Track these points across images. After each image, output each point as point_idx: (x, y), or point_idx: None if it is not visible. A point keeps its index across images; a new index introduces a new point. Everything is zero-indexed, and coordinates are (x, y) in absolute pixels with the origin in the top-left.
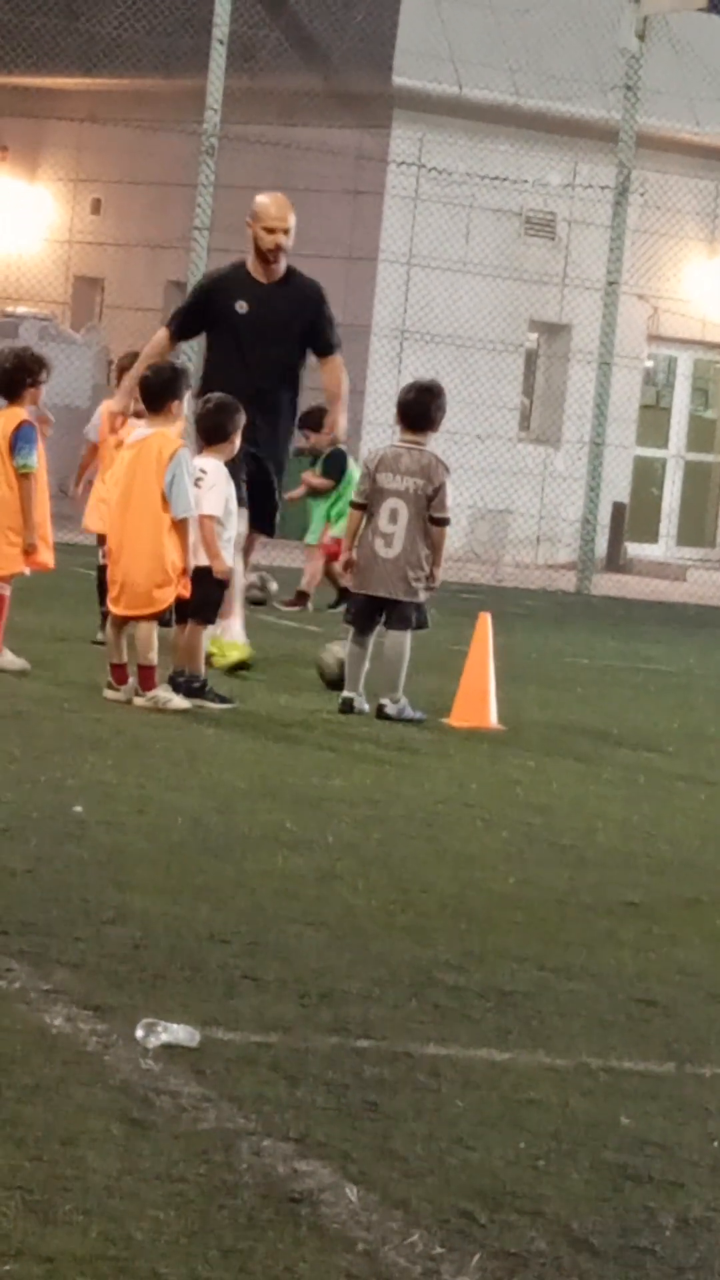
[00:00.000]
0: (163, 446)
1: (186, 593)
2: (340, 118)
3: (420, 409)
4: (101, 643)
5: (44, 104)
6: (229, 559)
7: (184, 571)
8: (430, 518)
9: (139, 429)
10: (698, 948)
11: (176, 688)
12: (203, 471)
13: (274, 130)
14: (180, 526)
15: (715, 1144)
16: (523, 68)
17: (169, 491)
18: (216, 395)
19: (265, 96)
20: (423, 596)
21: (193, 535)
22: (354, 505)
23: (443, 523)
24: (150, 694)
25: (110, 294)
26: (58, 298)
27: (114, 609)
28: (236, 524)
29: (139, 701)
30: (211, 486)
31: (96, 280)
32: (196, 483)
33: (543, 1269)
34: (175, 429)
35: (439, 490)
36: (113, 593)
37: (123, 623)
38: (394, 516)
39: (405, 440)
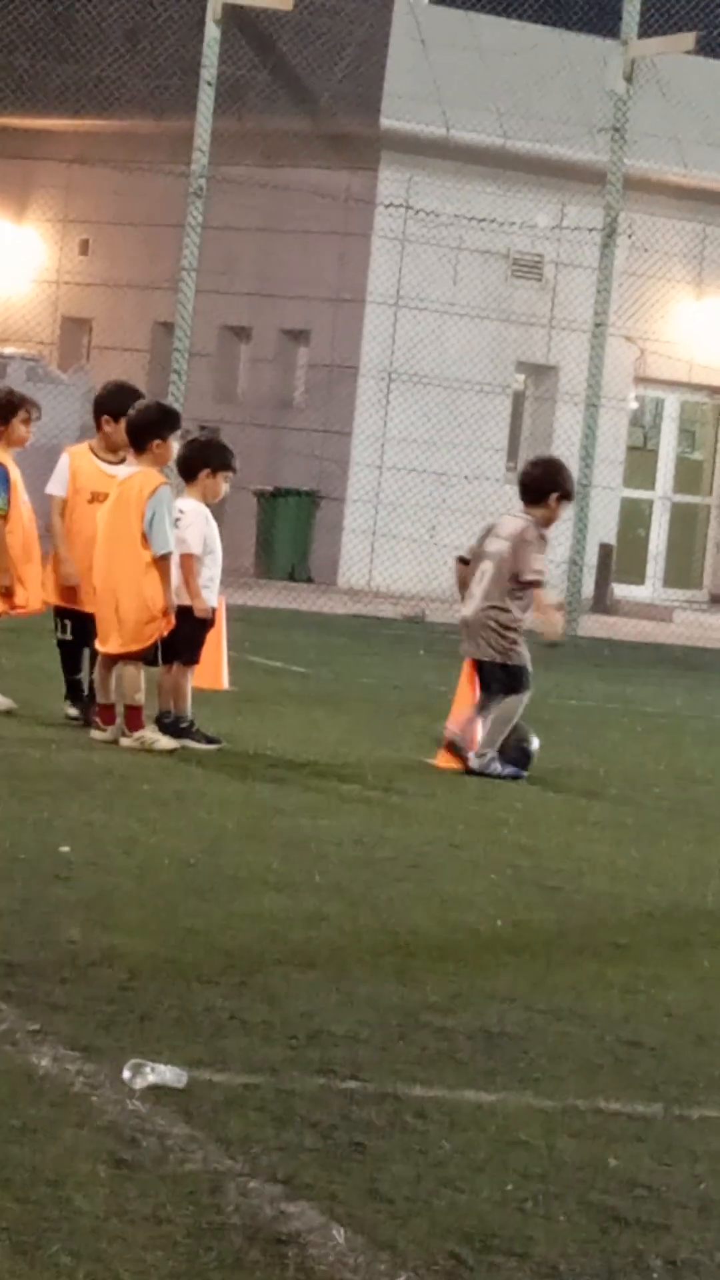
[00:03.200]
0: (144, 484)
1: (166, 631)
2: (328, 159)
3: (529, 481)
4: (75, 717)
5: (32, 145)
6: (211, 599)
7: (165, 610)
8: (515, 578)
9: (125, 467)
10: (686, 990)
11: (163, 728)
12: (181, 511)
13: (262, 172)
14: (160, 564)
15: (703, 1186)
16: (510, 110)
17: (148, 529)
18: (196, 434)
19: (253, 138)
20: (504, 658)
21: (174, 573)
22: (460, 561)
23: (529, 584)
24: (137, 734)
25: (98, 334)
26: (45, 338)
27: (102, 648)
28: (218, 563)
29: (125, 742)
30: (189, 526)
31: (84, 321)
32: (175, 522)
33: None
34: (159, 468)
35: (518, 552)
36: (101, 631)
37: (111, 662)
38: (481, 578)
39: (523, 510)
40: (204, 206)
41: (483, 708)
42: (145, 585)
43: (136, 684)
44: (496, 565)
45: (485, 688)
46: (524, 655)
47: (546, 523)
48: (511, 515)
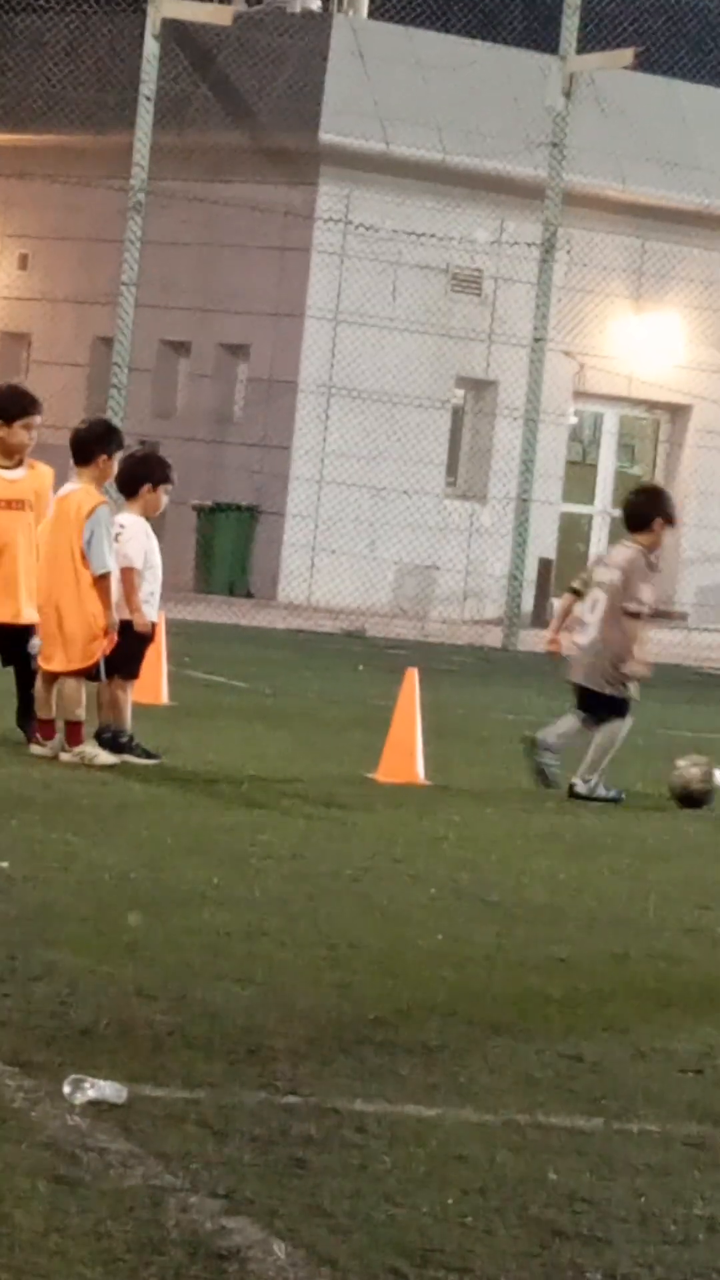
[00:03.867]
0: (82, 503)
1: (109, 648)
2: (267, 174)
3: (634, 509)
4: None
5: None
6: (151, 614)
7: (107, 628)
8: (622, 609)
9: (67, 485)
10: (625, 1004)
11: (103, 743)
12: (122, 526)
13: (201, 187)
14: (100, 583)
15: (643, 1200)
16: (449, 125)
17: (87, 549)
18: (136, 449)
19: (193, 153)
20: (612, 690)
21: (115, 590)
22: (570, 591)
23: (632, 615)
24: (77, 749)
25: (37, 349)
26: None
27: (46, 666)
28: (158, 578)
29: (65, 757)
30: (130, 540)
31: (23, 336)
32: (116, 537)
33: None
34: (100, 484)
35: (628, 580)
36: (44, 649)
37: (53, 678)
38: (594, 607)
39: (629, 539)
40: (143, 221)
41: (581, 731)
42: (87, 603)
43: (77, 699)
44: (609, 594)
45: (589, 713)
46: (633, 687)
47: (652, 547)
48: (623, 544)
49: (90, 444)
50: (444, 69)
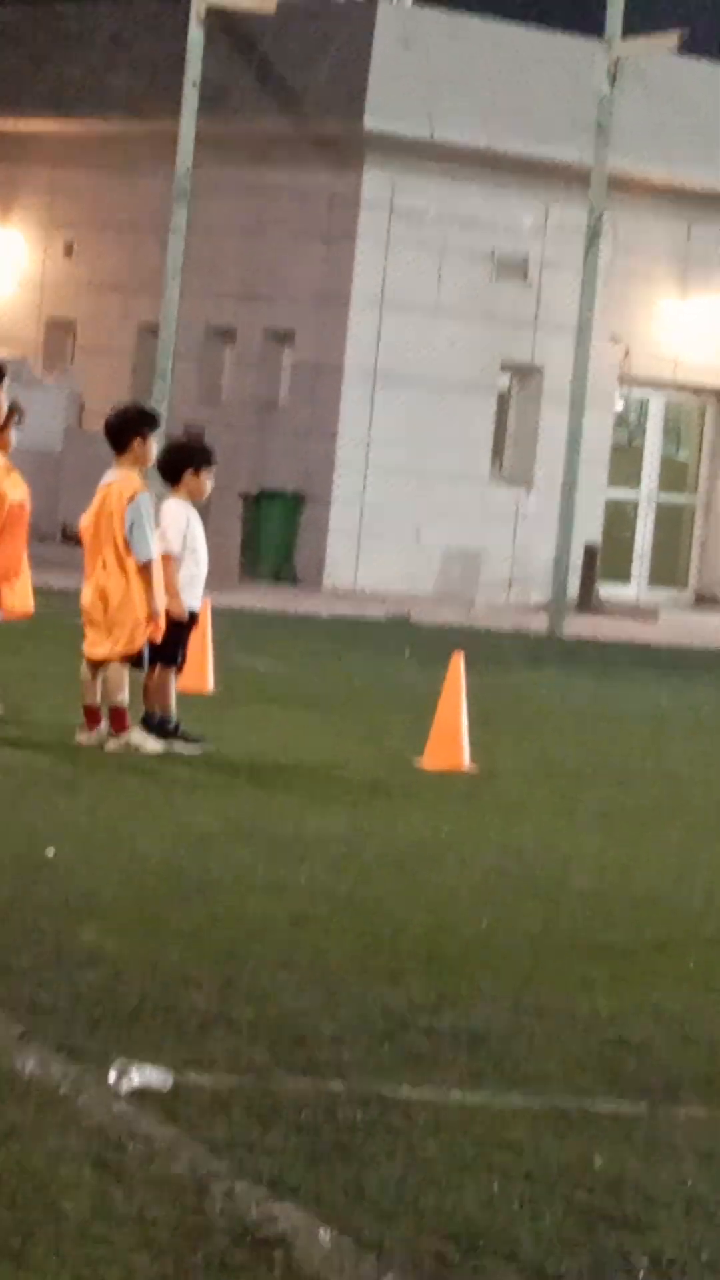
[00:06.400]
0: (122, 491)
1: (158, 636)
2: (312, 161)
3: None
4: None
5: (15, 148)
6: (194, 598)
7: (151, 615)
8: None
9: (107, 474)
10: (671, 989)
11: (149, 730)
12: (163, 511)
13: (246, 174)
14: (144, 571)
15: (688, 1184)
16: (494, 110)
17: (129, 537)
18: (174, 438)
19: (237, 140)
20: None
21: (159, 579)
22: None
23: None
24: (123, 736)
25: (83, 337)
26: (30, 341)
27: (90, 652)
28: (202, 562)
29: (111, 745)
30: (170, 525)
31: (69, 323)
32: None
33: None
34: (141, 469)
35: None
36: (90, 637)
37: (97, 666)
38: None
39: None
40: (188, 208)
41: None
42: (132, 591)
43: (121, 685)
44: None
45: None
46: None
47: None
48: None
49: (123, 430)
50: (489, 54)
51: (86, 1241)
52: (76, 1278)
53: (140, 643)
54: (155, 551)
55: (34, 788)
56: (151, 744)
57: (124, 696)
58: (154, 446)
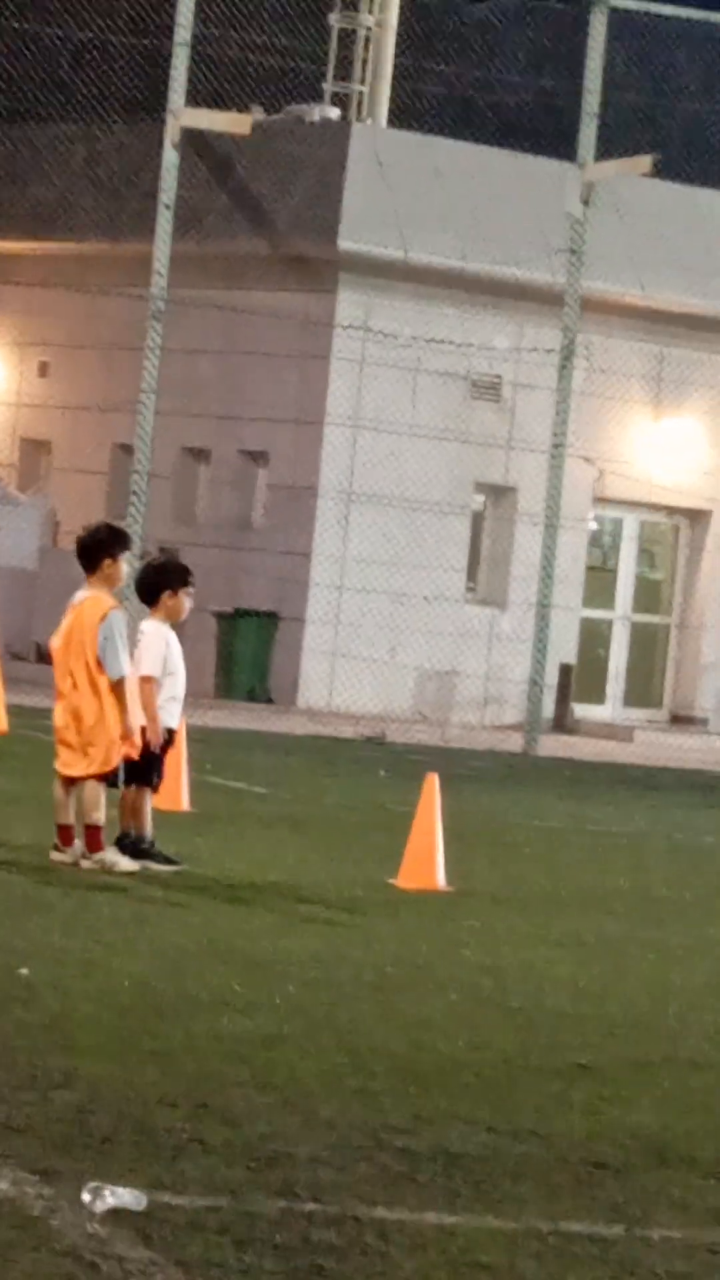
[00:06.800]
0: (94, 610)
1: (135, 753)
2: (287, 282)
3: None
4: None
5: None
6: (173, 719)
7: (126, 733)
8: None
9: (78, 593)
10: (647, 1110)
11: (123, 849)
12: (142, 633)
13: (221, 294)
14: (116, 688)
15: None
16: (468, 232)
17: (102, 655)
18: (153, 557)
19: (212, 261)
20: None
21: (133, 696)
22: None
23: None
24: (97, 855)
25: (58, 456)
26: (4, 459)
27: (65, 771)
28: (181, 683)
29: (86, 864)
30: (148, 649)
31: (43, 442)
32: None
33: None
34: (110, 589)
35: None
36: (63, 757)
37: (70, 784)
38: None
39: None
40: (163, 329)
41: None
42: (106, 709)
43: (96, 803)
44: None
45: None
46: None
47: None
48: None
49: (93, 550)
50: (463, 176)
51: None
52: None
53: (116, 761)
54: (127, 668)
55: (7, 907)
56: (126, 863)
57: (100, 815)
58: (124, 567)
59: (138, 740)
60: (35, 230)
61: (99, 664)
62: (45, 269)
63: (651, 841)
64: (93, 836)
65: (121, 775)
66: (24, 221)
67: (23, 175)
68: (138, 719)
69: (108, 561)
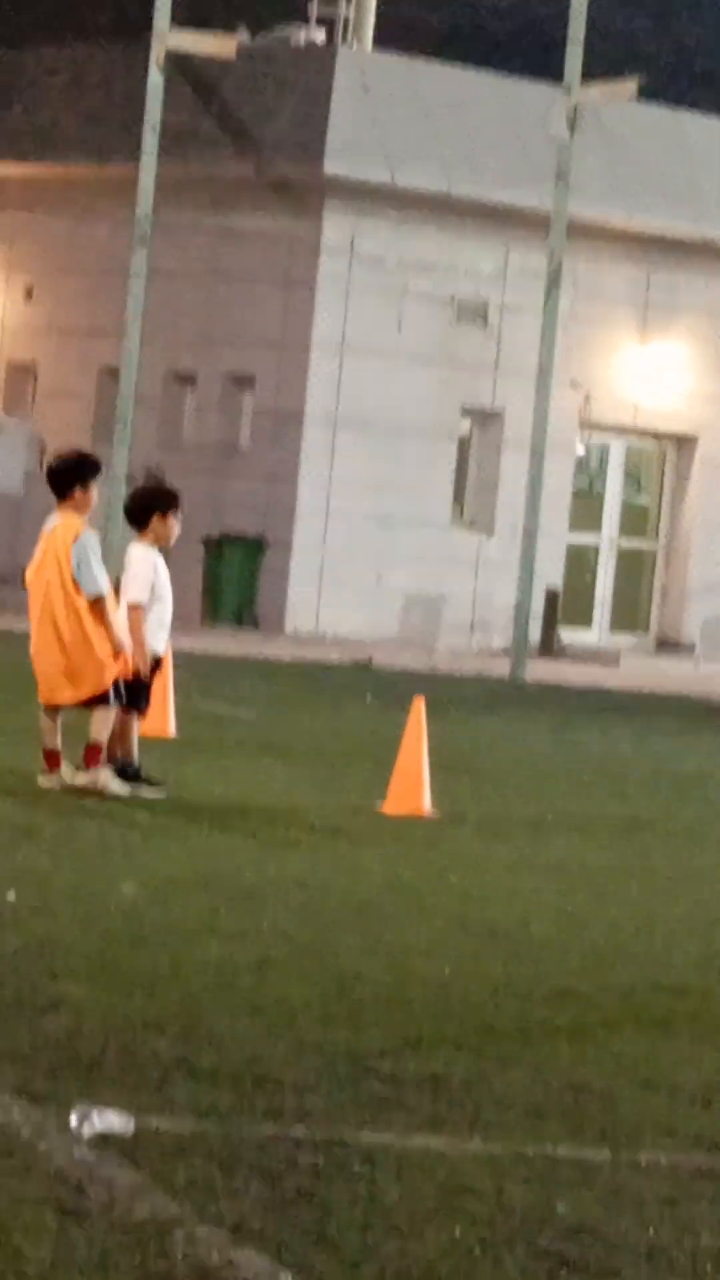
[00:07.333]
0: (65, 534)
1: (128, 671)
2: (272, 206)
3: None
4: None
5: None
6: (160, 644)
7: (116, 650)
8: None
9: (49, 519)
10: (632, 1035)
11: (123, 774)
12: (129, 557)
13: (206, 218)
14: (96, 606)
15: (651, 1231)
16: (454, 156)
17: (77, 575)
18: (139, 483)
19: (197, 184)
20: None
21: (114, 613)
22: None
23: None
24: (92, 772)
25: (43, 380)
26: None
27: (52, 698)
28: (168, 608)
29: (79, 778)
30: (135, 574)
31: (29, 366)
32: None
33: None
34: (82, 515)
35: None
36: (47, 685)
37: (56, 711)
38: None
39: None
40: (148, 252)
41: None
42: (89, 632)
43: (107, 724)
44: None
45: None
46: None
47: None
48: None
49: (62, 478)
50: (448, 101)
51: None
52: None
53: (109, 681)
54: (105, 586)
55: None
56: (117, 786)
57: (105, 737)
58: (95, 493)
59: (129, 656)
60: (20, 153)
61: (75, 586)
62: (30, 192)
63: (637, 767)
64: (92, 754)
65: (116, 694)
66: (9, 145)
67: (7, 98)
68: (124, 635)
69: (79, 489)
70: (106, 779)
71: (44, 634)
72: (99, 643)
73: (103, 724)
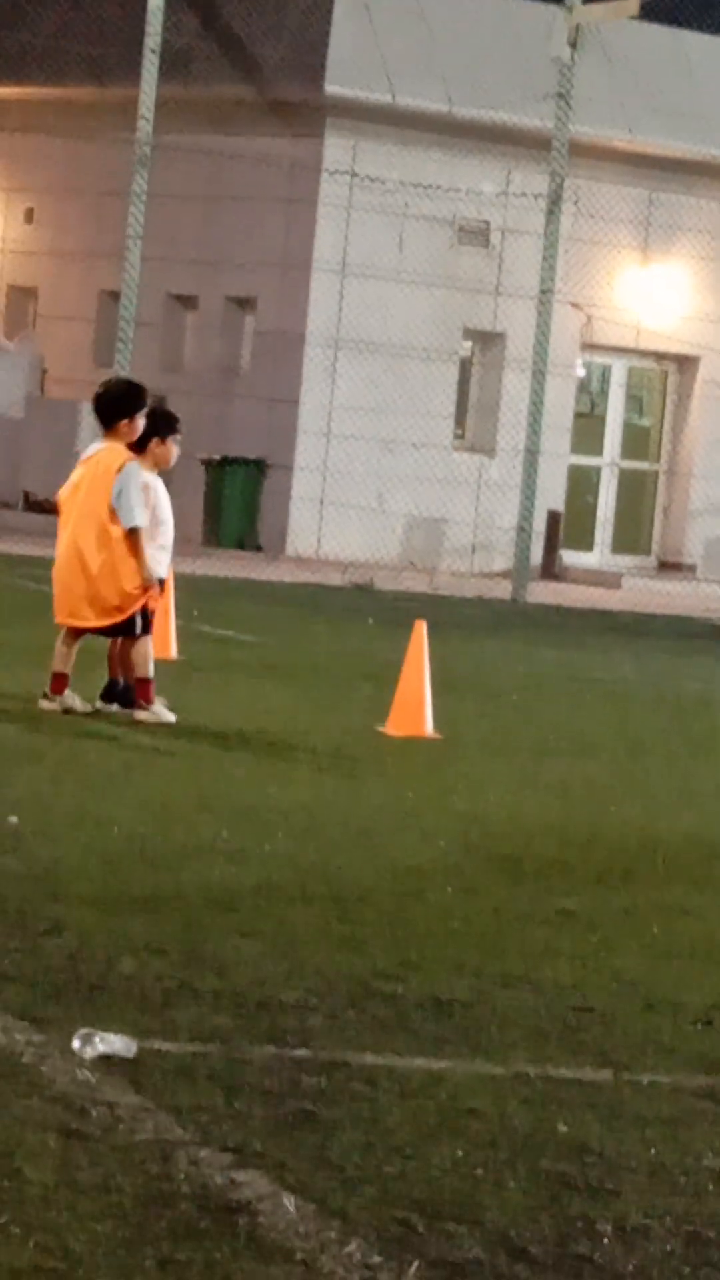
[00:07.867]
0: (110, 461)
1: (155, 604)
2: (273, 127)
3: None
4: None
5: None
6: (162, 569)
7: (144, 581)
8: None
9: (93, 444)
10: (634, 956)
11: (113, 698)
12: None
13: (207, 139)
14: (131, 536)
15: (652, 1151)
16: (455, 76)
17: (116, 503)
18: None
19: (198, 105)
20: None
21: (149, 546)
22: None
23: None
24: (154, 708)
25: (44, 303)
26: None
27: (72, 621)
28: (170, 532)
29: (141, 715)
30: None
31: (30, 290)
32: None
33: (480, 1277)
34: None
35: None
36: (69, 606)
37: (75, 635)
38: None
39: None
40: (148, 174)
41: None
42: (117, 559)
43: (146, 657)
44: None
45: None
46: None
47: None
48: None
49: (110, 408)
50: (450, 20)
51: (50, 1208)
52: (40, 1245)
53: (132, 610)
54: (142, 519)
55: None
56: (168, 715)
57: (150, 669)
58: (140, 425)
59: (157, 589)
60: (20, 75)
61: (112, 513)
62: (30, 114)
63: (639, 689)
64: (144, 689)
65: (139, 623)
66: (8, 66)
67: (6, 20)
68: (152, 569)
69: (125, 422)
70: (160, 710)
71: (70, 557)
72: (128, 575)
73: (143, 659)
